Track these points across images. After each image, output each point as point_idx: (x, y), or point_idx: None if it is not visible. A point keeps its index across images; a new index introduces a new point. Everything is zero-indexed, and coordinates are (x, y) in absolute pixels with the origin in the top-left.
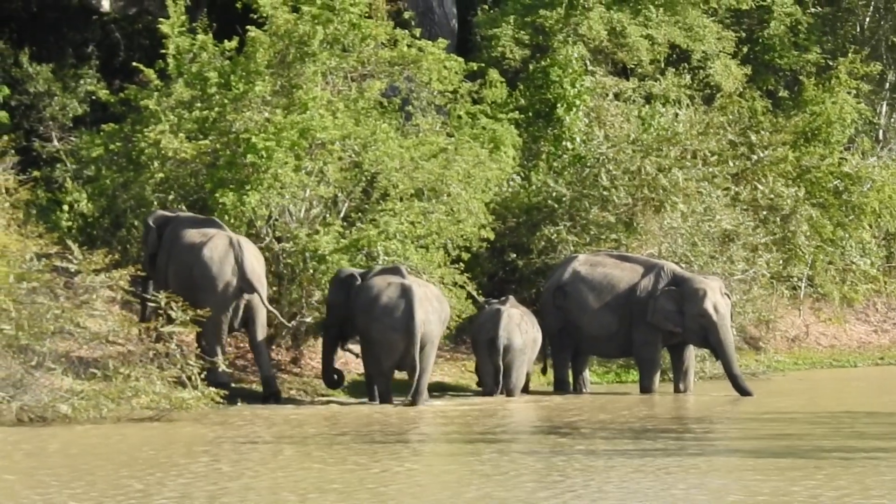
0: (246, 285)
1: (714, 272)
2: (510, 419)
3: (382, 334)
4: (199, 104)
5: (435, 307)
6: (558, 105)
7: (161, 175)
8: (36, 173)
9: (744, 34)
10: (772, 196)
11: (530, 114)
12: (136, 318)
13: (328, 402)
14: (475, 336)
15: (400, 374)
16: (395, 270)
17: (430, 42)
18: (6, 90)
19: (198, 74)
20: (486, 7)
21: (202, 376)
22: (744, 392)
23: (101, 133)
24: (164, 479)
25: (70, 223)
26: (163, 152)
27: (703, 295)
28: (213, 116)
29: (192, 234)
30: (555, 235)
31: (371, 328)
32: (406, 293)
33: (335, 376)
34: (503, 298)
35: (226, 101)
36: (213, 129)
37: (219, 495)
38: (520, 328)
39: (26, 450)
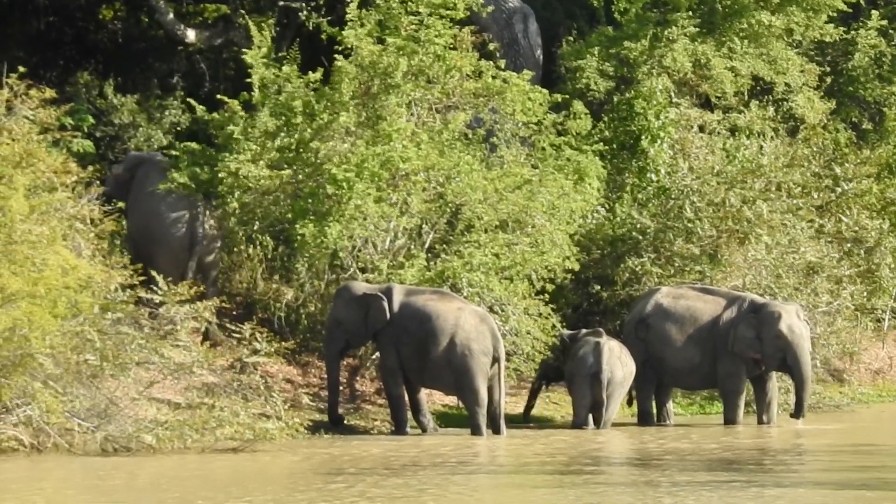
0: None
1: (799, 304)
2: (599, 450)
3: (477, 361)
4: (283, 133)
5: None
6: (643, 137)
7: (235, 206)
8: (121, 204)
9: (828, 66)
10: (856, 228)
11: (615, 145)
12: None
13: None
14: (573, 369)
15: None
16: (446, 294)
17: (514, 73)
18: (91, 120)
19: (283, 104)
20: (571, 39)
21: (286, 406)
22: (796, 415)
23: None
24: None
25: None
26: (243, 180)
27: (777, 317)
28: (295, 144)
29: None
30: (639, 267)
31: (461, 357)
32: (486, 319)
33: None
34: (591, 330)
35: (309, 130)
36: (297, 160)
37: None
38: (620, 361)
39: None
